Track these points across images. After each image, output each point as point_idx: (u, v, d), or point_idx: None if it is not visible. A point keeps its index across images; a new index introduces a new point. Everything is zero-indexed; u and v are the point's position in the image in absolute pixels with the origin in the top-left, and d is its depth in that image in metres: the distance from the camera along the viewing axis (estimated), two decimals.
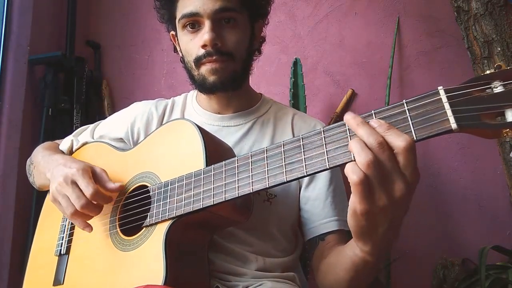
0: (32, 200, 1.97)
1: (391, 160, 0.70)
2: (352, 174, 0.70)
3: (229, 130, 1.28)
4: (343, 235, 1.15)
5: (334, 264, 1.02)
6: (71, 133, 1.46)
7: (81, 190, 1.05)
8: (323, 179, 1.22)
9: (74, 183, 1.06)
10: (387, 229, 0.76)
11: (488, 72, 0.67)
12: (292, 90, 1.97)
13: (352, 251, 0.89)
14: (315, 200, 1.20)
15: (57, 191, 1.08)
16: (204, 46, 1.16)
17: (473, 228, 1.86)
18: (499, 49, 1.66)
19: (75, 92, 2.25)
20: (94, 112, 2.34)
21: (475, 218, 1.86)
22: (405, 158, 0.70)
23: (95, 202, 1.06)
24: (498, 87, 0.66)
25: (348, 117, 0.75)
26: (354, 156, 0.71)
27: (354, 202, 0.73)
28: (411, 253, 1.86)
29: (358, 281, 0.97)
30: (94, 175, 1.09)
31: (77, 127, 2.12)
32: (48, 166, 1.21)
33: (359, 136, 0.72)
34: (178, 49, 1.31)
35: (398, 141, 0.70)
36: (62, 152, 1.36)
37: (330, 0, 2.17)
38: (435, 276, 1.80)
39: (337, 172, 1.25)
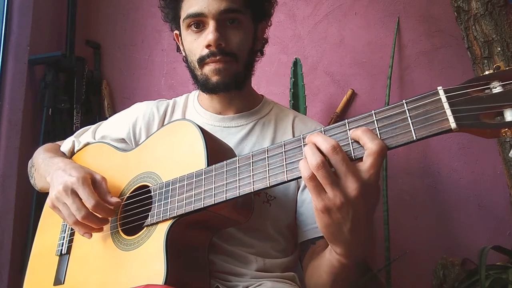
0: (32, 200, 1.97)
1: (344, 162, 0.75)
2: (303, 170, 0.77)
3: (230, 131, 1.28)
4: None
5: (317, 266, 1.05)
6: (71, 133, 1.46)
7: (81, 200, 1.05)
8: None
9: (75, 193, 1.06)
10: (352, 230, 0.80)
11: (487, 72, 0.69)
12: (292, 90, 1.97)
13: (330, 254, 0.94)
14: (309, 203, 1.20)
15: (57, 199, 1.08)
16: (208, 46, 1.17)
17: (473, 228, 1.86)
18: (499, 49, 1.66)
19: (75, 92, 2.25)
20: (94, 112, 2.34)
21: (475, 218, 1.86)
22: (373, 160, 0.74)
23: (96, 214, 1.06)
24: (497, 88, 0.67)
25: (307, 136, 0.81)
26: (307, 159, 0.77)
27: (313, 200, 0.78)
28: (411, 253, 1.86)
29: (339, 284, 1.00)
30: (93, 183, 1.09)
31: (77, 127, 2.13)
32: (48, 169, 1.21)
33: (313, 142, 0.79)
34: (182, 48, 1.31)
35: (371, 144, 0.74)
36: (63, 154, 1.36)
37: (330, 0, 2.17)
38: (435, 276, 1.80)
39: None
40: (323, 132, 0.81)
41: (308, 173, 0.76)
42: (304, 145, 0.82)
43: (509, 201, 1.77)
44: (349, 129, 0.78)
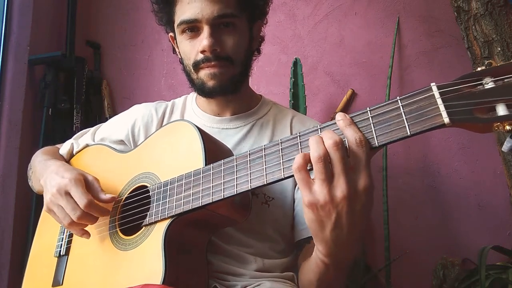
0: (32, 200, 1.97)
1: (342, 162, 0.75)
2: (294, 162, 0.78)
3: (227, 133, 1.28)
4: None
5: (307, 265, 1.04)
6: (71, 133, 1.46)
7: (75, 201, 1.05)
8: None
9: (68, 194, 1.06)
10: (333, 231, 0.79)
11: (479, 69, 0.70)
12: (292, 90, 1.97)
13: (315, 253, 0.93)
14: None
15: (52, 202, 1.09)
16: (203, 52, 1.17)
17: (473, 228, 1.86)
18: (499, 49, 1.66)
19: (75, 92, 2.25)
20: (94, 112, 2.34)
21: (475, 218, 1.86)
22: (356, 156, 0.75)
23: (90, 213, 1.05)
24: (489, 83, 0.68)
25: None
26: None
27: (301, 192, 0.78)
28: (411, 253, 1.86)
29: (323, 285, 0.99)
30: (86, 184, 1.09)
31: (77, 127, 2.12)
32: (42, 172, 1.21)
33: (321, 136, 0.77)
34: (177, 50, 1.32)
35: (352, 137, 0.75)
36: (62, 157, 1.36)
37: (330, 0, 2.17)
38: (435, 276, 1.80)
39: None
40: (319, 131, 0.81)
41: (297, 165, 0.77)
42: (300, 142, 0.82)
43: (509, 201, 1.77)
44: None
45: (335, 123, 0.80)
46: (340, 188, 0.75)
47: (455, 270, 1.75)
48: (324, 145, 0.76)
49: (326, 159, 0.75)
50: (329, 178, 0.76)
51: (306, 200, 0.78)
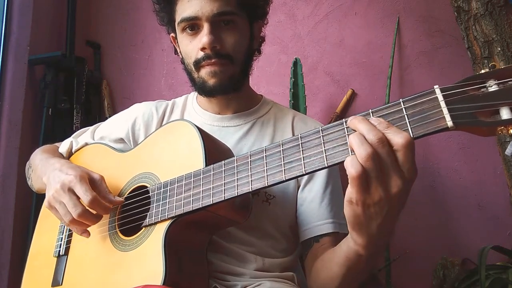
0: (32, 200, 1.97)
1: (390, 156, 0.72)
2: (351, 167, 0.73)
3: (228, 131, 1.28)
4: (338, 238, 1.15)
5: (328, 260, 1.04)
6: (71, 133, 1.46)
7: (78, 198, 1.04)
8: (320, 181, 1.22)
9: (71, 191, 1.05)
10: (381, 224, 0.78)
11: (483, 71, 0.69)
12: (292, 90, 1.97)
13: (347, 245, 0.92)
14: (310, 202, 1.20)
15: (54, 198, 1.07)
16: (203, 49, 1.17)
17: (473, 228, 1.86)
18: (499, 49, 1.66)
19: (75, 92, 2.25)
20: (94, 112, 2.34)
21: (475, 218, 1.86)
22: (404, 155, 0.72)
23: (93, 211, 1.05)
24: (492, 86, 0.67)
25: (350, 119, 0.77)
26: (353, 150, 0.73)
27: (351, 192, 0.75)
28: (411, 253, 1.85)
29: (350, 278, 0.98)
30: (92, 182, 1.08)
31: (77, 127, 2.13)
32: (44, 170, 1.21)
33: (359, 131, 0.74)
34: (178, 50, 1.31)
35: (397, 138, 0.72)
36: (61, 155, 1.36)
37: (330, 0, 2.17)
38: (435, 276, 1.80)
39: (335, 173, 1.25)
40: (320, 132, 0.80)
41: (358, 170, 0.72)
42: (301, 143, 0.82)
43: (509, 201, 1.77)
44: (347, 128, 0.78)
45: (338, 125, 0.79)
46: (395, 183, 0.73)
47: (455, 270, 1.76)
48: (369, 143, 0.72)
49: (374, 156, 0.71)
50: (382, 175, 0.73)
51: (357, 199, 0.75)
